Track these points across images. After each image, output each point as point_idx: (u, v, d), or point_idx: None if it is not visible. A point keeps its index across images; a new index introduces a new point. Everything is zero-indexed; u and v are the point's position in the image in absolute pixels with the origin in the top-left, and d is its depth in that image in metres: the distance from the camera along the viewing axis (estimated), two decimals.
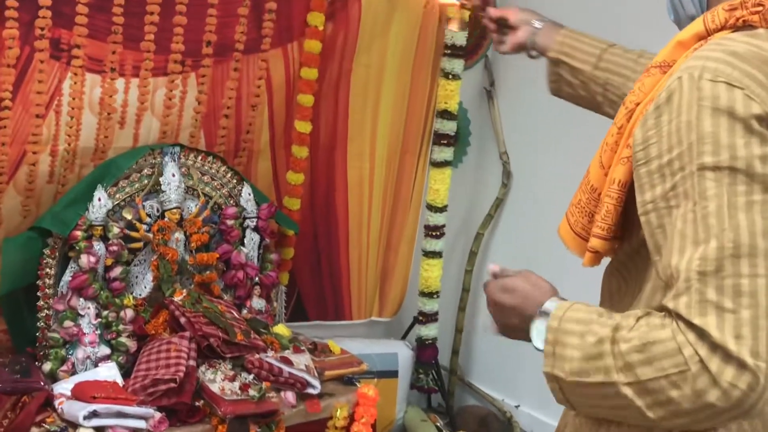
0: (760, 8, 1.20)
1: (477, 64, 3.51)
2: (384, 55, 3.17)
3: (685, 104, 1.13)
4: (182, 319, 2.61)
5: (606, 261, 1.44)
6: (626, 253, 1.34)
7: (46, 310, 2.56)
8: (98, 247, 2.57)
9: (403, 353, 3.48)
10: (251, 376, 2.54)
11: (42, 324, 2.57)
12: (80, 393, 2.33)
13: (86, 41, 2.50)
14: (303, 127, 3.04)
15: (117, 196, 2.64)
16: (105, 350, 2.57)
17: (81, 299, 2.55)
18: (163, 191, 2.70)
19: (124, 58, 2.60)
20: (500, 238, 3.58)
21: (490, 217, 3.52)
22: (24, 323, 2.60)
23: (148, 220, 2.70)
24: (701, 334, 1.05)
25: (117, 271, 2.61)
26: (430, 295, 3.49)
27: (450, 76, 3.30)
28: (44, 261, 2.55)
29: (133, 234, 2.67)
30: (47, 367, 2.50)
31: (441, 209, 3.42)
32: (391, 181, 3.39)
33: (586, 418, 1.34)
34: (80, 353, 2.54)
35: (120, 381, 2.47)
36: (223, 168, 2.87)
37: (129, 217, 2.66)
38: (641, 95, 1.27)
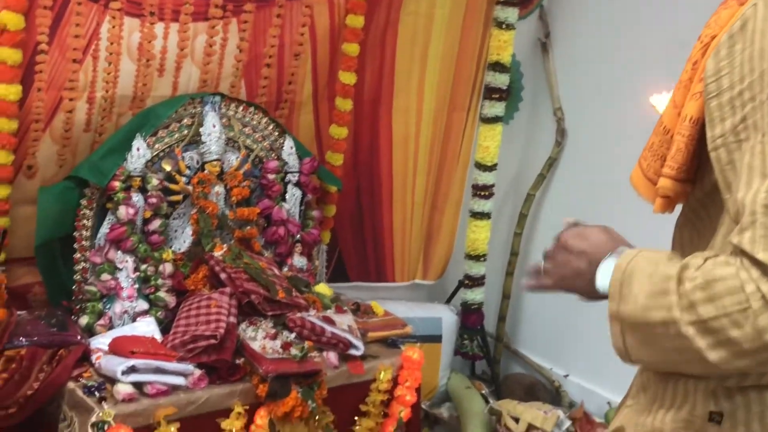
0: None
1: (531, 14, 3.33)
2: (433, 3, 3.03)
3: (759, 31, 1.09)
4: (222, 275, 2.52)
5: (675, 215, 1.35)
6: (698, 199, 1.28)
7: (82, 263, 2.48)
8: (137, 198, 2.48)
9: (447, 318, 3.36)
10: (293, 335, 2.44)
11: (78, 277, 2.49)
12: (118, 348, 2.25)
13: None
14: (347, 78, 2.91)
15: (156, 146, 2.54)
16: (143, 305, 2.48)
17: (119, 252, 2.46)
18: (203, 142, 2.60)
19: (163, 1, 2.50)
20: (552, 199, 3.42)
21: (542, 177, 3.37)
22: (60, 276, 2.52)
23: (187, 172, 2.60)
24: (765, 269, 1.02)
25: (156, 223, 2.52)
26: (477, 258, 3.36)
27: (503, 26, 3.14)
28: (81, 212, 2.47)
29: (173, 186, 2.58)
30: (84, 320, 2.43)
31: (490, 168, 3.28)
32: (438, 138, 3.25)
33: (653, 374, 1.29)
34: (118, 307, 2.45)
35: (158, 336, 2.38)
36: (265, 119, 2.76)
37: (168, 168, 2.56)
38: (717, 28, 1.21)
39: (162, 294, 2.51)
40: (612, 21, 3.11)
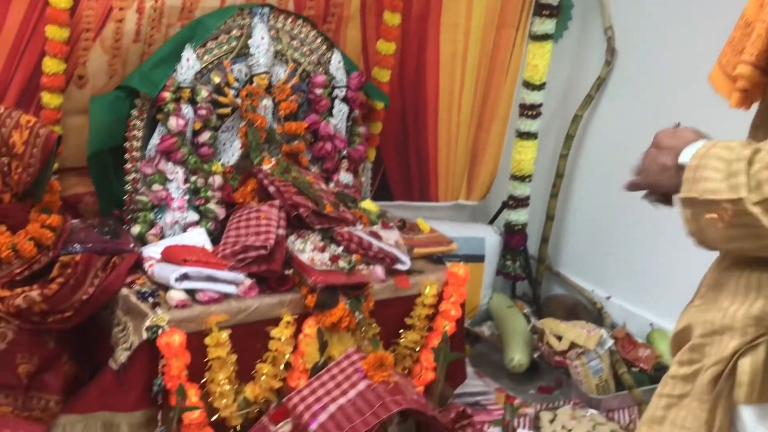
0: None
1: None
2: None
3: None
4: (271, 188, 2.53)
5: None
6: None
7: (133, 173, 2.51)
8: (186, 110, 2.48)
9: (490, 238, 3.36)
10: (341, 249, 2.46)
11: (129, 187, 2.51)
12: (171, 256, 2.29)
13: None
14: None
15: (205, 57, 2.53)
16: (193, 216, 2.51)
17: (169, 163, 2.48)
18: (251, 54, 2.58)
19: None
20: (600, 121, 3.37)
21: (591, 98, 3.32)
22: (111, 186, 2.55)
23: (236, 84, 2.59)
24: None
25: (205, 136, 2.53)
26: (522, 178, 3.34)
27: None
28: (132, 123, 2.48)
29: (221, 99, 2.57)
30: (135, 230, 2.46)
31: (538, 87, 3.23)
32: (486, 55, 3.19)
33: (724, 270, 1.30)
34: (168, 218, 2.48)
35: (209, 247, 2.41)
36: (313, 33, 2.73)
37: (217, 80, 2.56)
38: None
39: (212, 206, 2.53)
40: None
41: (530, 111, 3.26)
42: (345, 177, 2.83)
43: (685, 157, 1.25)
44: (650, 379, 2.93)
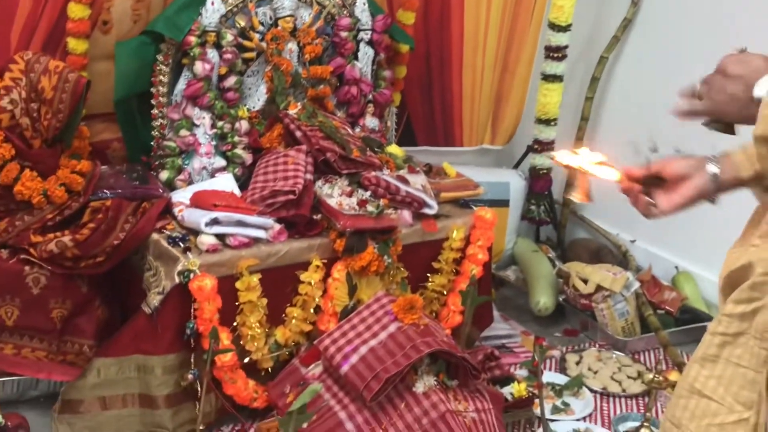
0: None
1: None
2: None
3: None
4: (298, 133, 2.52)
5: None
6: None
7: (160, 119, 2.51)
8: (212, 54, 2.47)
9: (515, 182, 3.35)
10: (368, 193, 2.46)
11: (157, 133, 2.52)
12: (200, 201, 2.30)
13: None
14: None
15: (230, 1, 2.51)
16: (221, 161, 2.52)
17: (196, 108, 2.48)
18: None
19: None
20: (626, 63, 3.33)
21: (617, 39, 3.27)
22: (138, 132, 2.56)
23: (261, 28, 2.57)
24: None
25: (231, 80, 2.52)
26: (547, 122, 3.31)
27: None
28: (157, 68, 2.47)
29: (246, 43, 2.56)
30: (164, 175, 2.47)
31: (564, 28, 3.18)
32: None
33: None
34: (196, 163, 2.49)
35: (237, 192, 2.42)
36: None
37: (242, 24, 2.54)
38: None
39: (239, 151, 2.53)
40: None
41: (556, 53, 3.22)
42: (371, 121, 2.82)
43: (760, 91, 1.22)
44: (676, 321, 2.94)
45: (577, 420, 2.43)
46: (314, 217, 2.37)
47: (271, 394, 2.29)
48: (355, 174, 2.50)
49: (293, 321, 2.34)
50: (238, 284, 2.24)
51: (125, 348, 2.22)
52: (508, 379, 2.48)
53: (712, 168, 1.37)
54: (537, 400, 2.30)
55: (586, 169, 1.47)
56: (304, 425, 1.87)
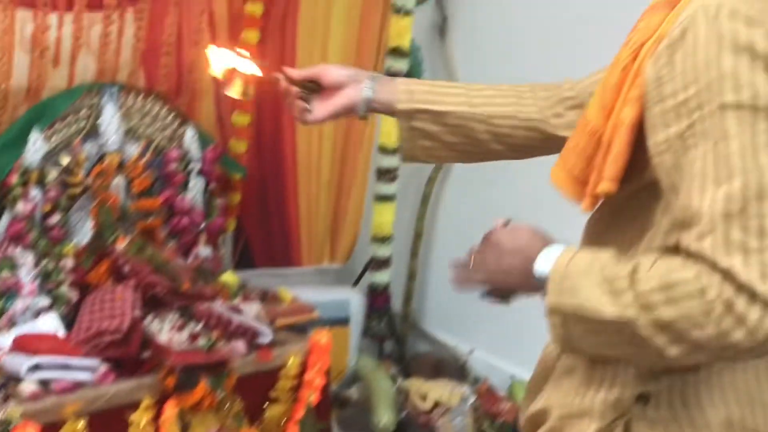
0: None
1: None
2: None
3: (702, 42, 1.10)
4: (126, 268, 2.50)
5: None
6: (623, 197, 1.28)
7: None
8: (35, 193, 2.44)
9: (354, 300, 3.41)
10: (200, 326, 2.45)
11: None
12: (21, 346, 2.22)
13: None
14: None
15: (53, 138, 2.51)
16: (45, 301, 2.45)
17: (18, 248, 2.42)
18: (102, 134, 2.57)
19: None
20: (454, 182, 3.50)
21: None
22: None
23: (86, 164, 2.57)
24: (726, 274, 1.03)
25: (56, 218, 2.49)
26: (383, 240, 3.41)
27: (401, 12, 3.17)
28: None
29: (71, 179, 2.54)
30: None
31: (394, 151, 3.31)
32: (342, 122, 3.28)
33: (581, 359, 1.29)
34: (19, 304, 2.41)
35: (62, 332, 2.36)
36: (165, 109, 2.74)
37: (66, 161, 2.53)
38: (648, 32, 1.22)
39: (64, 289, 2.48)
40: (512, 4, 3.19)
41: (387, 174, 3.35)
42: (204, 250, 2.83)
43: (543, 267, 1.19)
44: (513, 430, 3.03)
45: None
46: (143, 355, 2.34)
47: None
48: (186, 307, 2.49)
49: None
50: (63, 431, 2.16)
51: None
52: None
53: (367, 92, 1.44)
54: None
55: (238, 67, 1.50)
56: None
